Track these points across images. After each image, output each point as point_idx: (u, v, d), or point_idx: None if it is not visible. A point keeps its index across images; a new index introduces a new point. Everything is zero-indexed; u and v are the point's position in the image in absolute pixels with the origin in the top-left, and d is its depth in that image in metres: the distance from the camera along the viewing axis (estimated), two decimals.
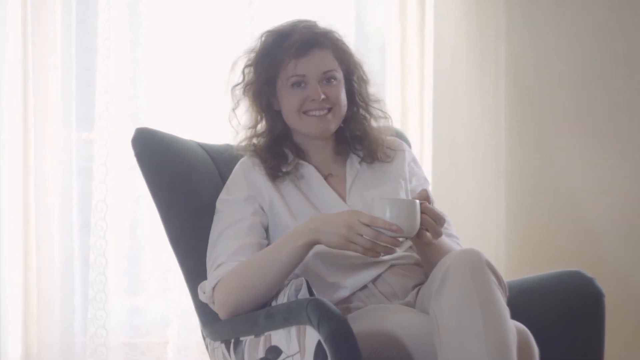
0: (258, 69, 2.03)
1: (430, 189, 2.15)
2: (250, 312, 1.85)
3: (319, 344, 1.65)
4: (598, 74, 3.04)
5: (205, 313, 2.00)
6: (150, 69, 2.93)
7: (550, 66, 3.02)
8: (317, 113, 1.99)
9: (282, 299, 1.82)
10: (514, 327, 1.67)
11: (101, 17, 2.85)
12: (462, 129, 3.01)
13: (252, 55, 2.05)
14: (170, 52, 2.90)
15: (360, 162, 2.08)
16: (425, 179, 2.15)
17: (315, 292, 1.77)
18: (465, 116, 3.01)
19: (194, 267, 2.03)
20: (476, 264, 1.68)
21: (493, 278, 1.68)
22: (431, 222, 1.78)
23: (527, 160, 3.02)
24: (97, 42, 2.86)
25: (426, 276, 1.90)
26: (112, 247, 2.86)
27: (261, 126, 2.07)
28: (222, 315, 1.91)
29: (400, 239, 1.77)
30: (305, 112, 1.99)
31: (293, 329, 1.71)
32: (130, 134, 2.11)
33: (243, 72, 2.05)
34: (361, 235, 1.73)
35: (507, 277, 1.84)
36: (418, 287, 1.95)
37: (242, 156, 2.07)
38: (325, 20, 2.07)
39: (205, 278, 1.96)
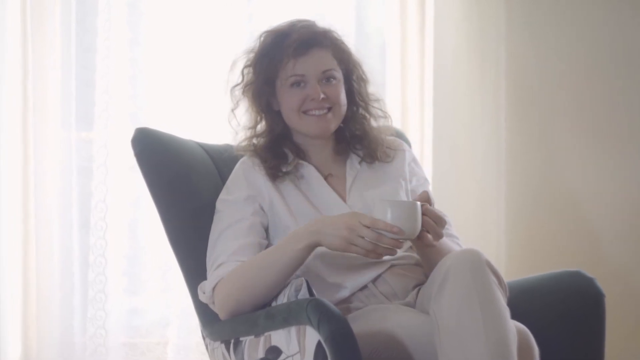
0: (257, 69, 2.02)
1: (430, 189, 2.15)
2: (250, 313, 1.85)
3: (319, 344, 1.64)
4: (598, 74, 3.04)
5: (205, 313, 2.00)
6: (149, 69, 2.93)
7: (551, 66, 3.02)
8: (317, 112, 1.98)
9: (282, 299, 1.82)
10: (514, 327, 1.67)
11: (101, 16, 2.85)
12: (463, 129, 3.01)
13: (251, 55, 2.05)
14: (169, 52, 2.90)
15: (360, 162, 2.08)
16: (426, 179, 2.14)
17: (315, 293, 1.77)
18: (466, 116, 3.01)
19: (194, 267, 2.02)
20: (476, 264, 1.67)
21: (493, 278, 1.68)
22: (432, 224, 1.78)
23: (528, 160, 3.02)
24: (96, 42, 2.85)
25: (426, 276, 1.90)
26: (112, 247, 2.85)
27: (261, 126, 2.07)
28: (222, 315, 1.90)
29: (401, 241, 1.76)
30: (305, 112, 1.99)
31: (293, 329, 1.71)
32: (130, 133, 2.11)
33: (242, 72, 2.05)
34: (362, 238, 1.73)
35: (508, 277, 1.84)
36: (418, 288, 1.95)
37: (241, 156, 2.07)
38: (325, 19, 2.07)
39: (205, 278, 1.95)
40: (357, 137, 2.09)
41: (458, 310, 1.63)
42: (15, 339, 2.81)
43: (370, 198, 2.00)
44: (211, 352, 2.01)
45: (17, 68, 2.81)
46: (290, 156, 2.04)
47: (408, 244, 1.99)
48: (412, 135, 2.99)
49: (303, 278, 1.80)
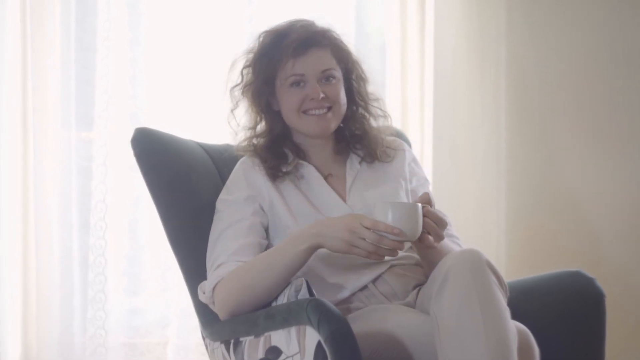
0: (256, 69, 2.02)
1: (430, 189, 2.15)
2: (250, 313, 1.85)
3: (319, 344, 1.64)
4: (598, 74, 3.04)
5: (205, 313, 2.00)
6: (149, 69, 2.93)
7: (551, 66, 3.02)
8: (316, 112, 1.98)
9: (282, 299, 1.82)
10: (515, 327, 1.66)
11: (100, 16, 2.85)
12: (463, 129, 3.01)
13: (250, 55, 2.05)
14: (169, 52, 2.90)
15: (360, 162, 2.08)
16: (426, 179, 2.14)
17: (315, 293, 1.77)
18: (466, 116, 3.01)
19: (194, 267, 2.02)
20: (476, 264, 1.67)
21: (493, 278, 1.68)
22: (433, 226, 1.77)
23: (528, 160, 3.01)
24: (96, 42, 2.85)
25: (426, 276, 1.90)
26: (112, 247, 2.85)
27: (261, 127, 2.07)
28: (221, 315, 1.90)
29: (402, 242, 1.76)
30: (304, 112, 1.99)
31: (293, 330, 1.70)
32: (130, 133, 2.11)
33: (241, 73, 2.05)
34: (364, 239, 1.73)
35: (508, 277, 1.84)
36: (418, 288, 1.95)
37: (241, 156, 2.07)
38: (325, 19, 2.07)
39: (204, 278, 1.95)
40: (356, 137, 2.09)
41: (458, 310, 1.63)
42: (15, 339, 2.81)
43: (370, 198, 2.00)
44: (211, 352, 2.01)
45: (17, 68, 2.81)
46: (290, 156, 2.04)
47: (408, 244, 1.99)
48: (412, 135, 2.99)
49: (303, 278, 1.80)
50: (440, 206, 1.92)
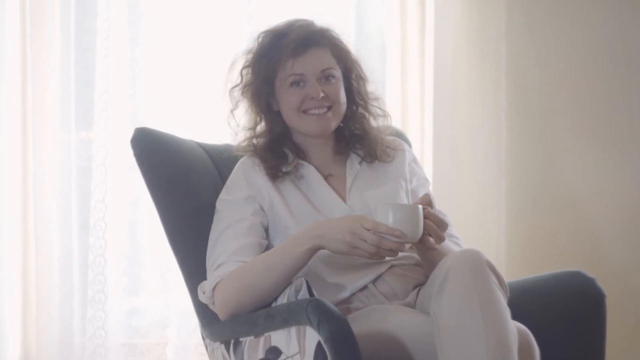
0: (256, 70, 2.02)
1: (430, 189, 2.15)
2: (250, 313, 1.84)
3: (319, 344, 1.64)
4: (598, 74, 3.04)
5: (205, 314, 1.99)
6: (149, 69, 2.93)
7: (551, 66, 3.02)
8: (316, 111, 1.98)
9: (282, 299, 1.81)
10: (515, 327, 1.66)
11: (100, 16, 2.84)
12: (463, 129, 3.00)
13: (250, 56, 2.04)
14: (169, 52, 2.90)
15: (360, 162, 2.07)
16: (426, 179, 2.14)
17: (315, 293, 1.77)
18: (466, 116, 3.01)
19: (194, 267, 2.02)
20: (477, 264, 1.67)
21: (494, 278, 1.68)
22: (434, 228, 1.77)
23: (528, 160, 3.01)
24: (96, 42, 2.85)
25: (426, 277, 1.90)
26: (111, 248, 2.85)
27: (261, 127, 2.07)
28: (221, 316, 1.90)
29: (403, 244, 1.76)
30: (304, 111, 1.99)
31: (293, 330, 1.70)
32: (130, 133, 2.11)
33: (241, 73, 2.05)
34: (365, 241, 1.73)
35: (508, 277, 1.84)
36: (418, 288, 1.95)
37: (241, 156, 2.07)
38: (325, 19, 2.07)
39: (204, 278, 1.95)
40: (356, 137, 2.08)
41: (458, 311, 1.63)
42: (14, 339, 2.81)
43: (371, 198, 2.00)
44: (211, 352, 2.01)
45: (17, 68, 2.81)
46: (290, 156, 2.04)
47: (408, 244, 1.98)
48: (412, 135, 2.99)
49: (303, 278, 1.79)
50: (440, 206, 1.91)
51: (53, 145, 2.83)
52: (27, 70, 2.81)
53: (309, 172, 2.03)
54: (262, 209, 1.98)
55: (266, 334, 1.77)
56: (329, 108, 1.99)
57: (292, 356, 1.71)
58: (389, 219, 1.72)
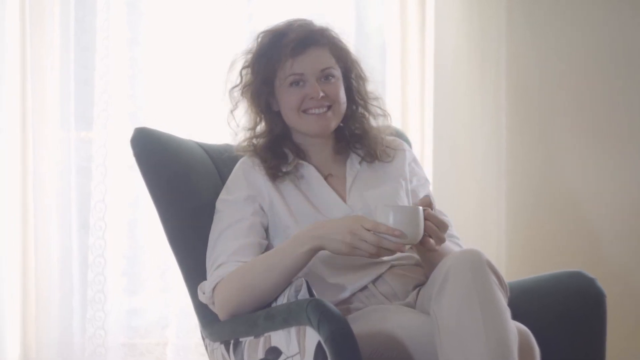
0: (255, 70, 2.02)
1: (430, 189, 2.15)
2: (250, 313, 1.84)
3: (319, 344, 1.64)
4: (599, 74, 3.04)
5: (205, 314, 1.99)
6: (149, 68, 2.92)
7: (551, 66, 3.02)
8: (316, 111, 1.98)
9: (282, 299, 1.81)
10: (515, 327, 1.66)
11: (100, 16, 2.84)
12: (463, 129, 3.00)
13: (249, 56, 2.04)
14: (169, 51, 2.89)
15: (360, 162, 2.07)
16: (426, 179, 2.14)
17: (315, 293, 1.77)
18: (466, 116, 3.01)
19: (193, 267, 2.02)
20: (477, 264, 1.67)
21: (494, 278, 1.67)
22: (435, 229, 1.77)
23: (528, 160, 3.01)
24: (95, 42, 2.85)
25: (426, 277, 1.90)
26: (111, 247, 2.85)
27: (260, 127, 2.06)
28: (221, 316, 1.90)
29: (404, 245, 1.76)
30: (304, 111, 1.98)
31: (293, 330, 1.70)
32: (129, 133, 2.10)
33: (240, 73, 2.05)
34: (365, 241, 1.73)
35: (508, 277, 1.84)
36: (418, 288, 1.95)
37: (241, 156, 2.06)
38: (325, 19, 2.07)
39: (204, 278, 1.95)
40: (356, 136, 2.08)
41: (458, 311, 1.62)
42: (14, 339, 2.81)
43: (371, 198, 1.99)
44: (211, 352, 2.00)
45: (16, 68, 2.80)
46: (290, 156, 2.03)
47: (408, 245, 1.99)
48: (412, 135, 2.99)
49: (303, 278, 1.79)
50: (440, 206, 1.91)
51: (53, 145, 2.82)
52: (27, 69, 2.81)
53: (309, 172, 2.03)
54: (262, 209, 1.98)
55: (266, 334, 1.77)
56: (329, 107, 1.99)
57: (292, 356, 1.70)
58: (389, 221, 1.72)
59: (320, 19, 2.06)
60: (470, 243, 2.04)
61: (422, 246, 1.78)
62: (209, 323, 1.99)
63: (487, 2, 2.99)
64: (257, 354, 1.78)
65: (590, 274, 1.99)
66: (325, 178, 2.04)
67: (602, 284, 1.97)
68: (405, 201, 2.05)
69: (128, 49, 2.89)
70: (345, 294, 1.91)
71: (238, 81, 2.05)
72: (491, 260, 1.70)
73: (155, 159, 2.08)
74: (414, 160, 2.15)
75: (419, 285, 1.95)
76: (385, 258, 1.93)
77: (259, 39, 2.03)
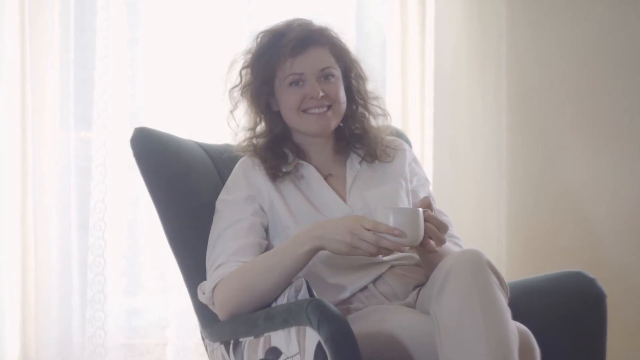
0: (255, 70, 2.02)
1: (431, 189, 2.14)
2: (250, 313, 1.84)
3: (319, 345, 1.64)
4: (599, 74, 3.04)
5: (205, 314, 1.99)
6: (148, 68, 2.92)
7: (552, 66, 3.02)
8: (316, 111, 1.98)
9: (282, 299, 1.81)
10: (516, 328, 1.66)
11: (99, 16, 2.84)
12: (463, 128, 3.00)
13: (249, 56, 2.04)
14: (169, 51, 2.89)
15: (360, 162, 2.07)
16: (426, 179, 2.14)
17: (315, 293, 1.77)
18: (466, 116, 3.01)
19: (193, 267, 2.02)
20: (477, 265, 1.67)
21: (494, 278, 1.67)
22: (435, 230, 1.77)
23: (529, 160, 3.01)
24: (95, 41, 2.84)
25: (426, 277, 1.90)
26: (111, 248, 2.84)
27: (260, 127, 2.06)
28: (221, 316, 1.90)
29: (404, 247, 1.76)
30: (304, 111, 1.98)
31: (293, 330, 1.70)
32: (129, 133, 2.10)
33: (240, 73, 2.05)
34: (365, 241, 1.72)
35: (509, 277, 1.84)
36: (418, 288, 1.94)
37: (241, 156, 2.06)
38: (325, 18, 2.06)
39: (204, 278, 1.95)
40: (356, 136, 2.08)
41: (459, 311, 1.62)
42: (13, 339, 2.80)
43: (371, 198, 1.99)
44: (210, 353, 2.00)
45: (16, 67, 2.80)
46: (290, 156, 2.03)
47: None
48: (412, 135, 2.98)
49: (303, 279, 1.79)
50: (441, 206, 1.91)
51: (52, 145, 2.82)
52: (26, 69, 2.81)
53: (309, 172, 2.03)
54: (262, 209, 1.98)
55: (266, 335, 1.77)
56: (329, 107, 1.98)
57: (292, 356, 1.70)
58: (389, 223, 1.72)
59: (320, 18, 2.06)
60: (470, 243, 2.04)
61: (422, 247, 1.78)
62: (208, 323, 1.99)
63: (488, 2, 2.99)
64: (257, 354, 1.78)
65: (591, 274, 1.99)
66: (325, 178, 2.04)
67: (602, 284, 1.97)
68: (405, 201, 2.04)
69: (128, 48, 2.88)
70: (345, 294, 1.91)
71: (238, 81, 2.05)
72: (491, 261, 1.70)
73: (155, 159, 2.08)
74: (414, 160, 2.14)
75: (419, 285, 1.95)
76: (385, 258, 1.93)
77: (259, 39, 2.03)
